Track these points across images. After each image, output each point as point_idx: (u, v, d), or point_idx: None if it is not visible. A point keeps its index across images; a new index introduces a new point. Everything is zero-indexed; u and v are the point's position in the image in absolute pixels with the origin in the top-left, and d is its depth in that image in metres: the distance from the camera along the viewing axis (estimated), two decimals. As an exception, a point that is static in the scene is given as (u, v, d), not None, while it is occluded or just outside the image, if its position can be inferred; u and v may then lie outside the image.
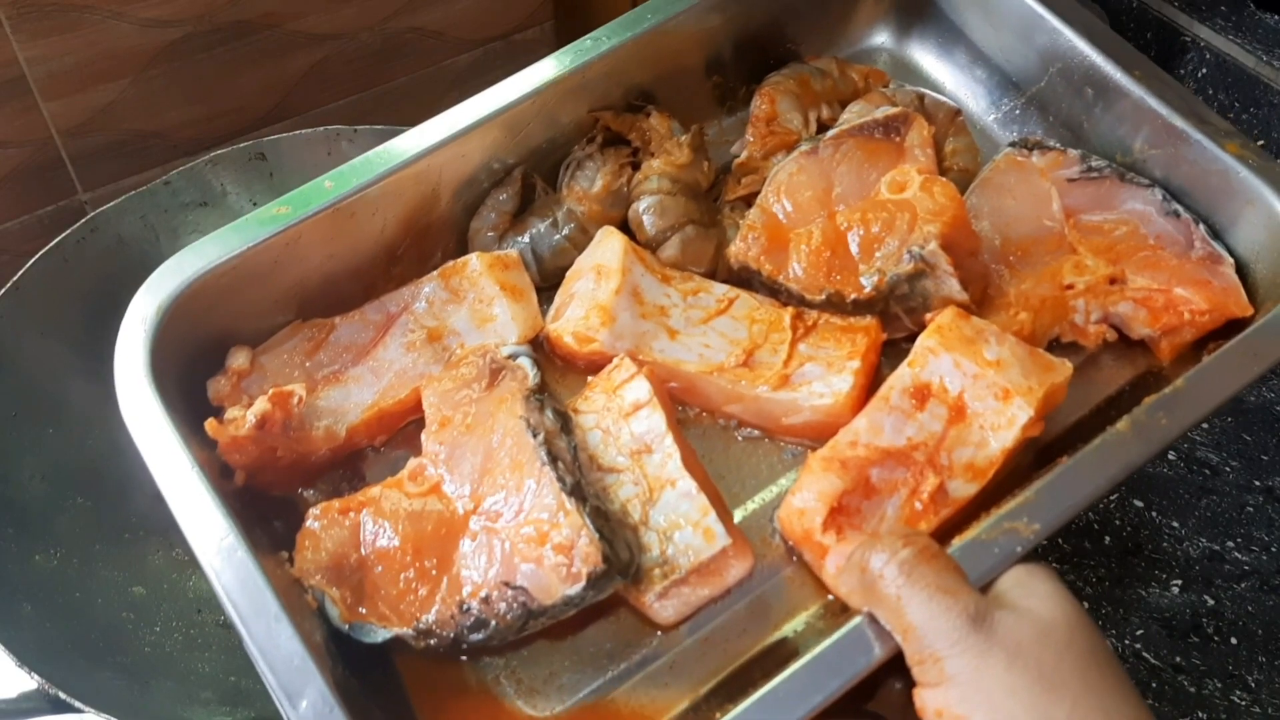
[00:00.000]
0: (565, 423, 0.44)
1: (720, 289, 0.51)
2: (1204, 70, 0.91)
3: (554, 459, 0.42)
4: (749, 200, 0.53)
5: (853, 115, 0.54)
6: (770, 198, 0.51)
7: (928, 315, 0.47)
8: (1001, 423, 0.44)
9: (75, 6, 0.63)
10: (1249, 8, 0.87)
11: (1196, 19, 0.89)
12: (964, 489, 0.44)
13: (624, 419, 0.45)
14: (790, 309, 0.50)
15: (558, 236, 0.52)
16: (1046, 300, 0.49)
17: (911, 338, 0.47)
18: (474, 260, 0.49)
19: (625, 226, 0.52)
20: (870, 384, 0.48)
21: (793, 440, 0.48)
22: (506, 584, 0.41)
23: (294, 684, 0.37)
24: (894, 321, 0.49)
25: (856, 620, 0.39)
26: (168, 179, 0.62)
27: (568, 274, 0.51)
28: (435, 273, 0.50)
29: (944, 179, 0.50)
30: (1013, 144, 0.54)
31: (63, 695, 0.47)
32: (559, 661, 0.43)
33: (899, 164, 0.51)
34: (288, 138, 0.64)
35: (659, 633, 0.44)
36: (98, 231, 0.60)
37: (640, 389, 0.46)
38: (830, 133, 0.52)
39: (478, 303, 0.49)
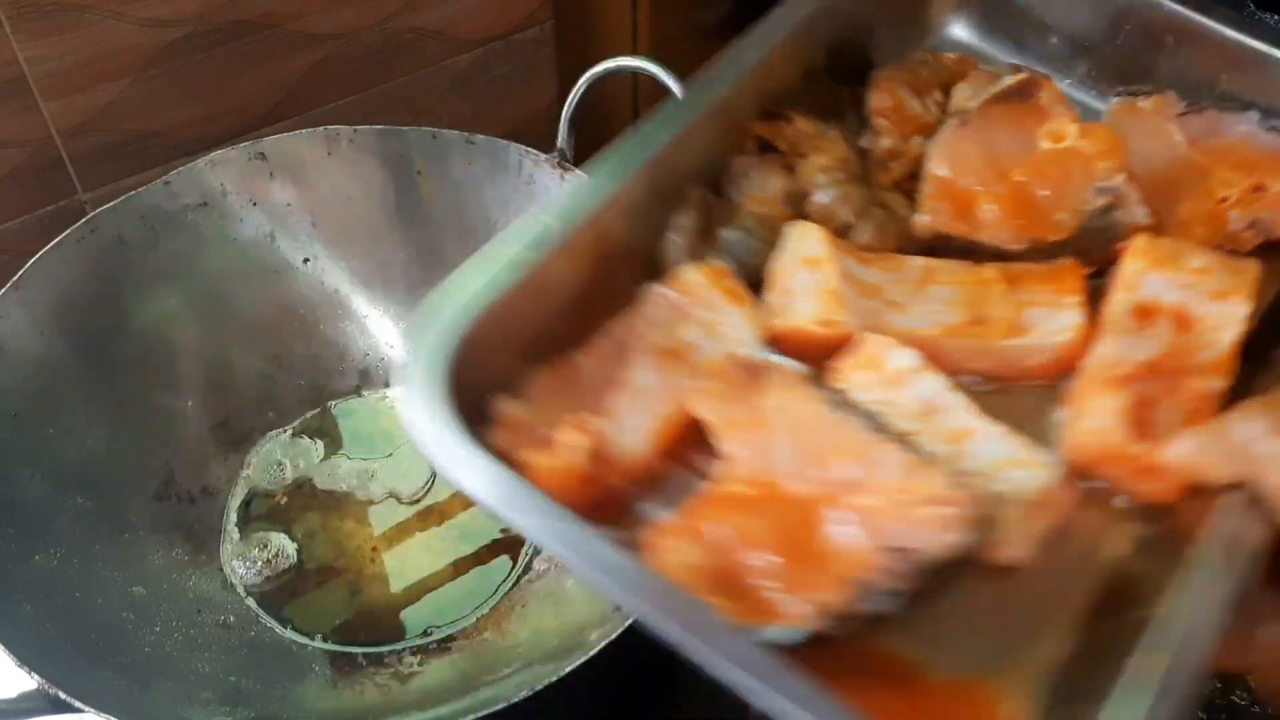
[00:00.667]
0: (847, 400, 0.45)
1: (918, 261, 0.52)
2: (1204, 70, 0.90)
3: (877, 426, 0.43)
4: (900, 185, 0.55)
5: (969, 92, 0.57)
6: (940, 169, 0.53)
7: (1118, 245, 0.50)
8: (1226, 321, 0.48)
9: (75, 6, 0.63)
10: (1249, 8, 0.87)
11: (1196, 19, 0.89)
12: (1217, 385, 0.47)
13: (898, 388, 0.46)
14: (991, 265, 0.52)
15: (753, 242, 0.52)
16: (1208, 215, 0.54)
17: (1098, 273, 0.50)
18: (692, 274, 0.49)
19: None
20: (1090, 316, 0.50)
21: (1035, 384, 0.50)
22: (888, 549, 0.40)
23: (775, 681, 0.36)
24: (1084, 257, 0.52)
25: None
26: (168, 179, 0.62)
27: (771, 274, 0.51)
28: (655, 292, 0.49)
29: (1098, 124, 0.53)
30: (1119, 94, 0.58)
31: (63, 695, 0.46)
32: (955, 626, 0.43)
33: (1045, 121, 0.54)
34: (288, 138, 0.64)
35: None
36: (98, 231, 0.60)
37: (907, 356, 0.47)
38: (972, 105, 0.55)
39: (706, 314, 0.49)
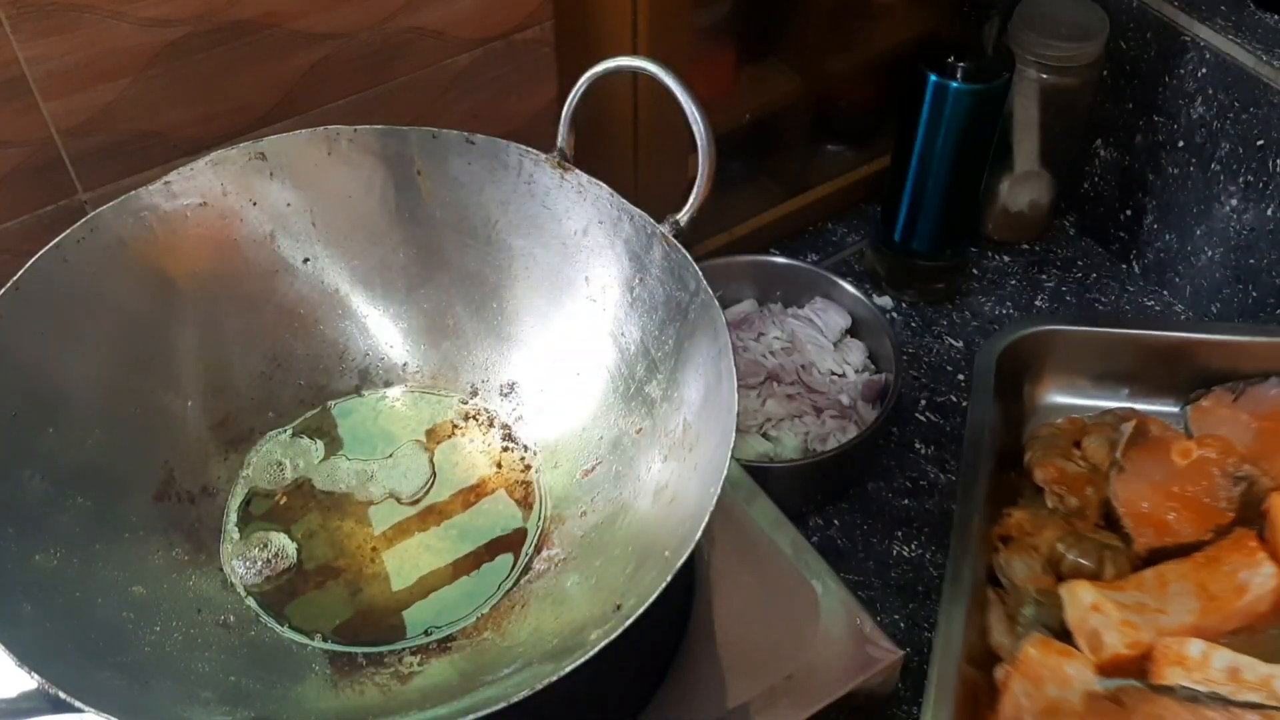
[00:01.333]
0: (1193, 692, 0.63)
1: (1149, 573, 0.71)
2: (1204, 70, 0.90)
3: (1225, 703, 0.61)
4: (1098, 525, 0.76)
5: (1096, 441, 0.78)
6: (1129, 508, 0.74)
7: (1264, 506, 0.72)
8: None
9: (75, 6, 0.63)
10: (1249, 8, 0.87)
11: (1196, 19, 0.89)
12: None
13: (1205, 669, 0.64)
14: (1196, 555, 0.71)
15: (1043, 610, 0.71)
16: None
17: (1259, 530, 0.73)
18: (1032, 651, 0.66)
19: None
20: None
21: (1264, 622, 0.70)
22: None
23: None
24: (1248, 524, 0.73)
25: None
26: (168, 179, 0.62)
27: (1072, 627, 0.69)
28: (1009, 676, 0.67)
29: (1211, 434, 0.77)
30: (1188, 400, 0.84)
31: (63, 695, 0.46)
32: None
33: (1168, 447, 0.76)
34: (288, 138, 0.64)
35: None
36: (97, 231, 0.60)
37: (1196, 645, 0.65)
38: (1115, 455, 0.76)
39: (1053, 674, 0.66)
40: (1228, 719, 0.60)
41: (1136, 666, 0.67)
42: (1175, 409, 0.84)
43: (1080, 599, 0.70)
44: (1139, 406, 0.84)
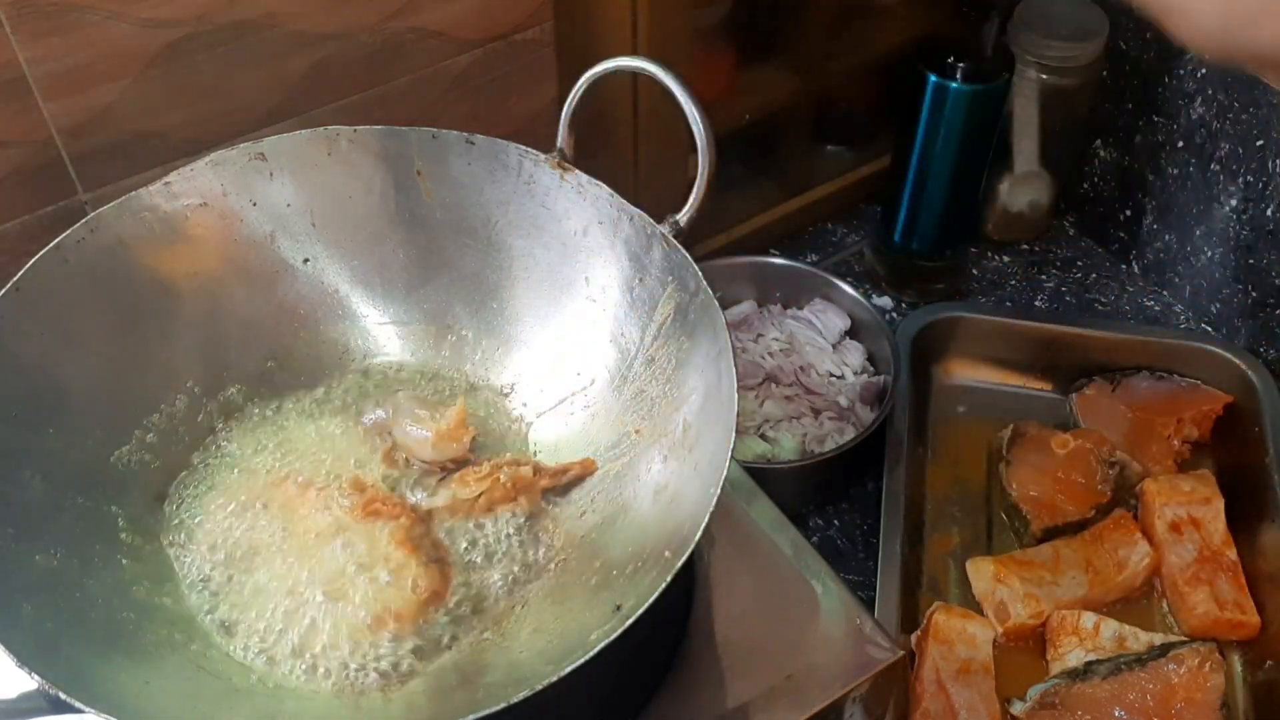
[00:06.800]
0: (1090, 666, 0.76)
1: (1045, 550, 0.82)
2: (1204, 70, 0.90)
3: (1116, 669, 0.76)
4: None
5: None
6: (1023, 494, 0.85)
7: (1136, 489, 0.85)
8: (1215, 514, 0.82)
9: (75, 6, 0.63)
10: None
11: (1196, 19, 0.88)
12: (1232, 554, 0.82)
13: (1096, 637, 0.76)
14: (1085, 533, 0.83)
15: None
16: (1164, 449, 0.89)
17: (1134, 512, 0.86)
18: (939, 617, 0.77)
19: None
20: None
21: (1138, 593, 0.83)
22: None
23: None
24: (1124, 505, 0.85)
25: None
26: (168, 179, 0.62)
27: (979, 597, 0.79)
28: (923, 643, 0.77)
29: (1081, 429, 0.90)
30: (1074, 389, 0.94)
31: (63, 695, 0.46)
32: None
33: (1049, 440, 0.87)
34: (288, 137, 0.64)
35: None
36: (97, 232, 0.60)
37: (1089, 617, 0.77)
38: (1005, 453, 0.88)
39: (961, 637, 0.77)
40: (1131, 680, 0.73)
41: (1035, 634, 0.78)
42: (1061, 396, 0.94)
43: (983, 572, 0.79)
44: (1031, 390, 0.95)
